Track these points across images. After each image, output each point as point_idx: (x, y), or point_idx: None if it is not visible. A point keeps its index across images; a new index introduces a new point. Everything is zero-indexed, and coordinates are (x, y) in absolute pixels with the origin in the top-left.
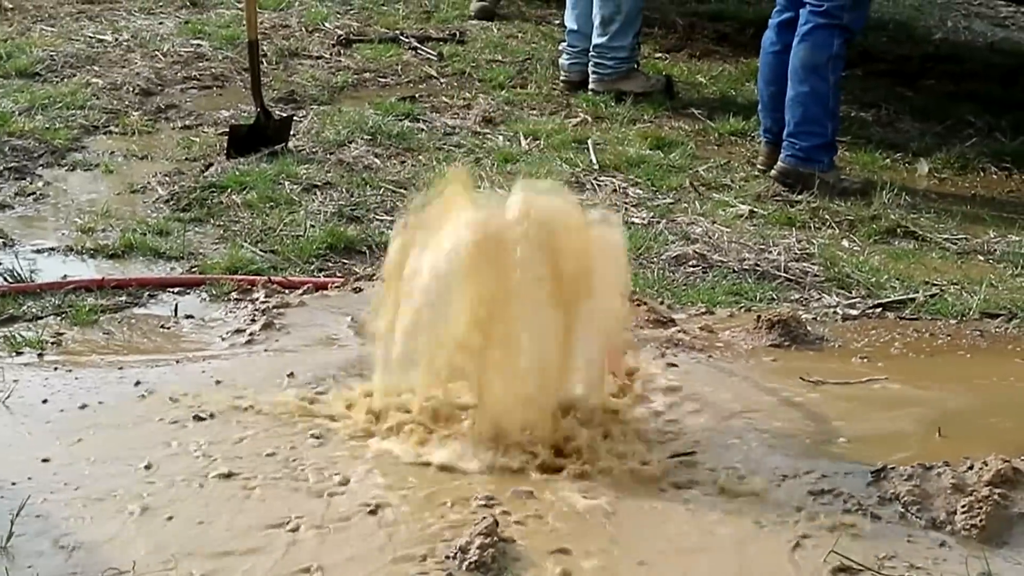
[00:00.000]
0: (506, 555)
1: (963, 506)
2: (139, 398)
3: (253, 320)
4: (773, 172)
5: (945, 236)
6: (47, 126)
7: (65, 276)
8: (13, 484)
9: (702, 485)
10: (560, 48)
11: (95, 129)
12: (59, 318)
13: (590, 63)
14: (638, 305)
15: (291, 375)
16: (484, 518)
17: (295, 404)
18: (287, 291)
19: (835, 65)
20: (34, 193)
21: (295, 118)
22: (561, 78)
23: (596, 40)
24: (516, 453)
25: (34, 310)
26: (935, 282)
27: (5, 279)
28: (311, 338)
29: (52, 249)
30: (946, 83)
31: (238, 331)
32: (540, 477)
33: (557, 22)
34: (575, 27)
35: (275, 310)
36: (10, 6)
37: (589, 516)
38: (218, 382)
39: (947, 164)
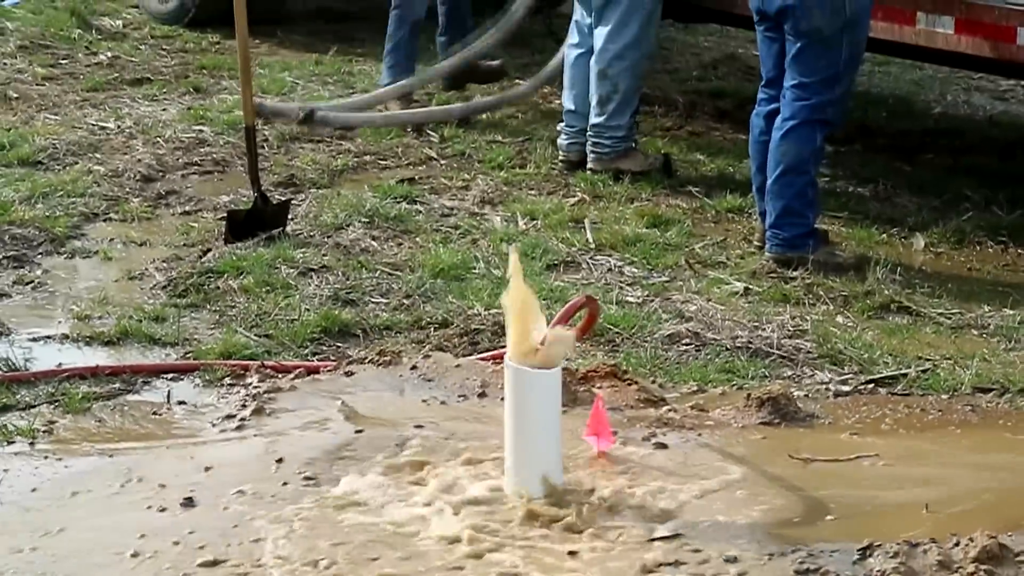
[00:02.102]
0: None
1: None
2: (128, 485)
3: (244, 405)
4: (765, 258)
5: (940, 311)
6: (47, 214)
7: (60, 364)
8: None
9: (687, 565)
10: (559, 128)
11: (95, 216)
12: (52, 406)
13: (588, 142)
14: (629, 384)
15: (280, 460)
16: None
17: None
18: (280, 375)
19: (816, 159)
20: (32, 281)
21: (293, 202)
22: (560, 158)
23: (593, 120)
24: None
25: (28, 398)
26: (928, 357)
27: (0, 368)
28: (301, 423)
29: (48, 337)
30: (945, 157)
31: (229, 416)
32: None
33: (557, 102)
34: (572, 107)
35: (266, 395)
36: (15, 95)
37: None
38: (207, 468)
39: (943, 238)
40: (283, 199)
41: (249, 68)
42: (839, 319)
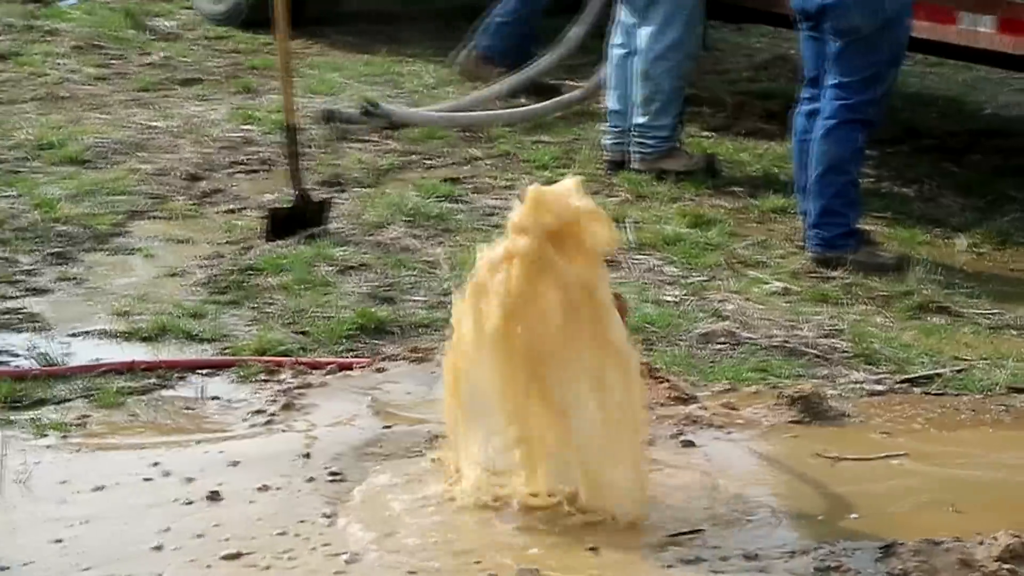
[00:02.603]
0: None
1: None
2: (155, 479)
3: (274, 401)
4: (806, 257)
5: (979, 311)
6: (92, 212)
7: (97, 359)
8: (24, 565)
9: (709, 562)
10: (603, 128)
11: (139, 214)
12: (87, 400)
13: (632, 143)
14: (660, 382)
15: (307, 456)
16: None
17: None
18: (313, 372)
19: (857, 159)
20: (74, 278)
21: (336, 201)
22: (604, 158)
23: (637, 120)
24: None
25: (63, 393)
26: (964, 357)
27: (37, 363)
28: (330, 418)
29: (87, 332)
30: (993, 158)
31: (258, 412)
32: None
33: (604, 104)
34: (617, 107)
35: (296, 391)
36: (66, 95)
37: None
38: (234, 463)
39: (987, 239)
40: (324, 198)
41: (290, 68)
42: (877, 319)
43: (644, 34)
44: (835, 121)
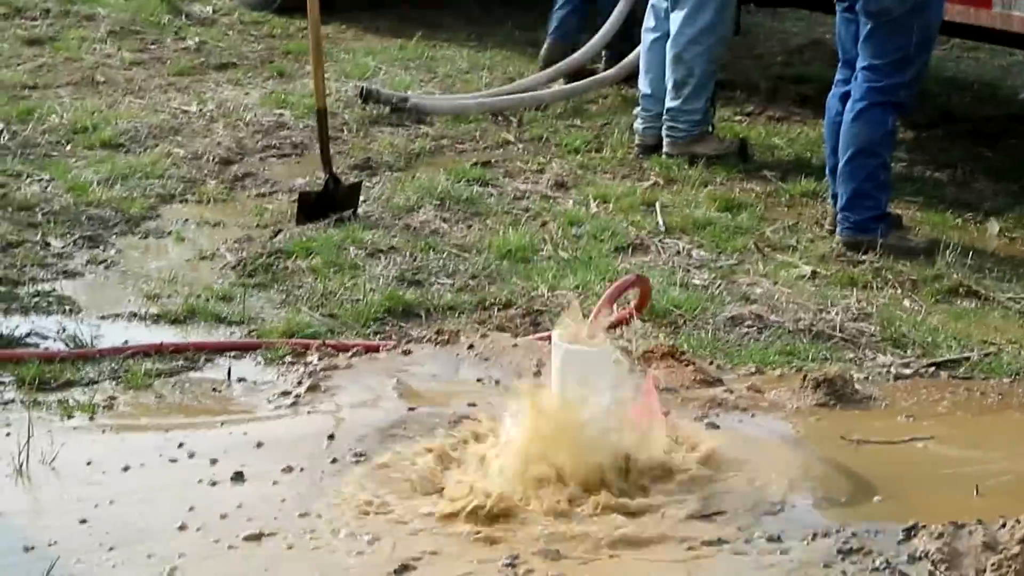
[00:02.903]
0: None
1: (993, 564)
2: (180, 460)
3: (300, 383)
4: (835, 241)
5: (1009, 295)
6: (125, 195)
7: (126, 341)
8: (50, 544)
9: (731, 543)
10: (635, 112)
11: (171, 198)
12: (115, 382)
13: (664, 126)
14: (686, 365)
15: (332, 437)
16: None
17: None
18: (339, 354)
19: (888, 142)
20: (105, 261)
21: (366, 184)
22: (636, 142)
23: (669, 104)
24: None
25: (91, 375)
26: (993, 341)
27: (67, 345)
28: (356, 400)
29: (117, 315)
30: None
31: (284, 393)
32: (568, 532)
33: (636, 87)
34: (649, 91)
35: (322, 372)
36: (102, 80)
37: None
38: (259, 444)
39: (1019, 224)
40: (355, 181)
41: (321, 52)
42: (906, 303)
43: (677, 18)
44: (865, 103)
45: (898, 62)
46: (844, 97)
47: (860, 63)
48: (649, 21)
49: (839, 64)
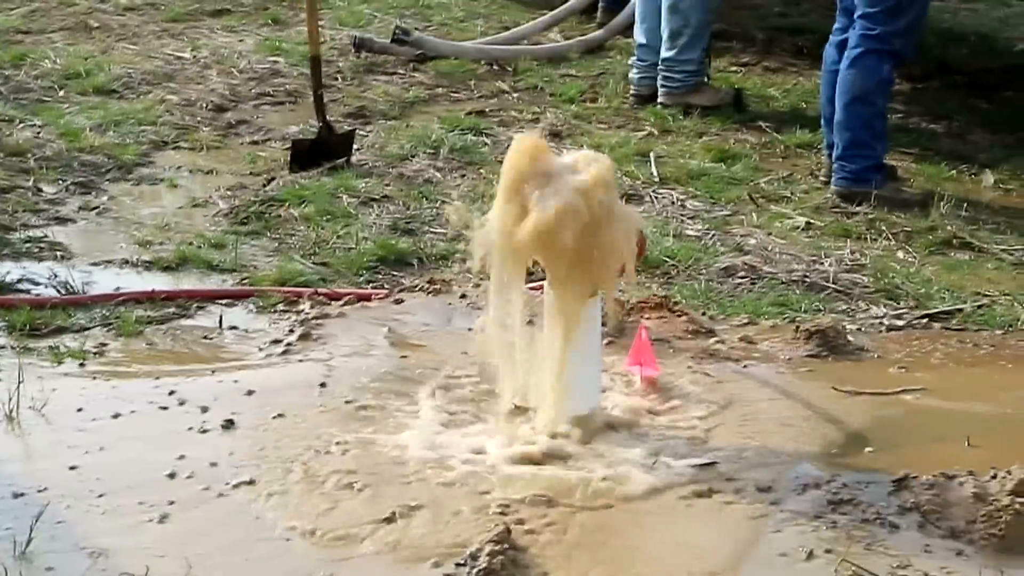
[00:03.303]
0: (516, 563)
1: (983, 515)
2: (170, 407)
3: (291, 331)
4: (830, 190)
5: (1003, 247)
6: (117, 142)
7: (118, 288)
8: (39, 491)
9: (722, 494)
10: (630, 62)
11: (164, 145)
12: (105, 329)
13: (659, 77)
14: (678, 316)
15: (323, 385)
16: (496, 525)
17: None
18: (331, 303)
19: (884, 90)
20: (97, 207)
21: (360, 132)
22: (631, 92)
23: (664, 54)
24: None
25: (82, 321)
26: (986, 293)
27: (58, 291)
28: (347, 349)
29: (108, 262)
30: None
31: (275, 341)
32: (558, 482)
33: (632, 37)
34: (644, 41)
35: (314, 321)
36: (96, 25)
37: (605, 524)
38: (250, 392)
39: (1014, 175)
40: (348, 129)
41: None
42: (899, 254)
43: None
44: (860, 50)
45: (890, 10)
46: (841, 46)
47: (856, 12)
48: None
49: (836, 13)
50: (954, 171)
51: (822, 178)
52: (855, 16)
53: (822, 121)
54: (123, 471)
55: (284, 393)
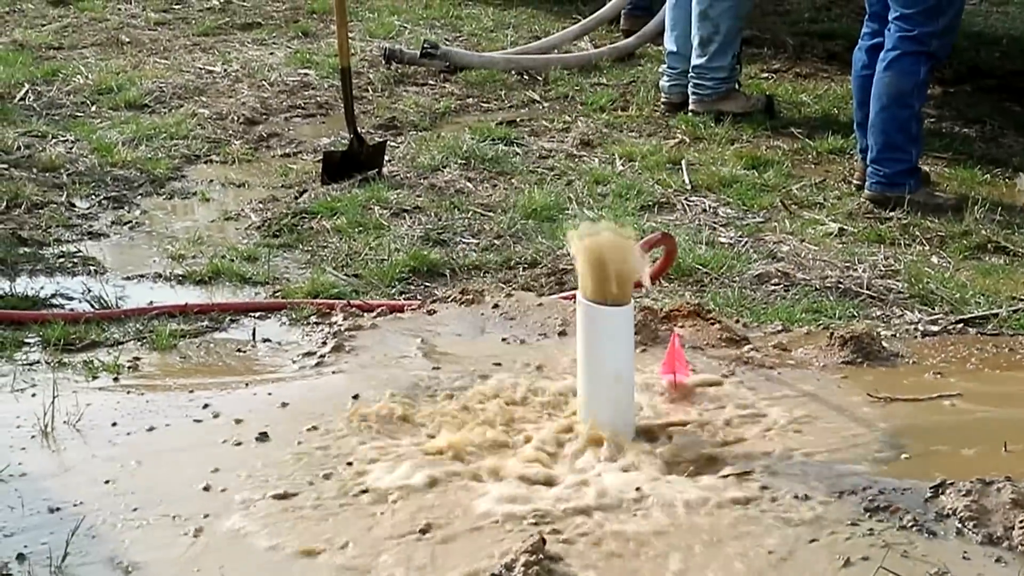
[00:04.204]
0: (552, 573)
1: (1021, 520)
2: (204, 420)
3: (324, 343)
4: (863, 195)
5: None
6: (150, 156)
7: (151, 302)
8: (75, 505)
9: (758, 501)
10: (661, 70)
11: (196, 158)
12: (139, 343)
13: (690, 84)
14: (711, 324)
15: (356, 396)
16: (531, 536)
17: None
18: (364, 314)
19: (920, 92)
20: (130, 222)
21: (391, 144)
22: (662, 99)
23: (695, 61)
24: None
25: (116, 335)
26: (1022, 297)
27: (92, 305)
28: (380, 360)
29: (141, 276)
30: None
31: (308, 354)
32: (591, 491)
33: (662, 45)
34: (674, 48)
35: (347, 333)
36: (127, 40)
37: (641, 533)
38: (284, 404)
39: None
40: (380, 141)
41: (345, 10)
42: (934, 259)
43: None
44: (898, 52)
45: (929, 11)
46: (871, 50)
47: (892, 14)
48: None
49: (866, 17)
50: (988, 175)
51: (856, 182)
52: (891, 18)
53: (855, 126)
54: (157, 485)
55: (317, 405)
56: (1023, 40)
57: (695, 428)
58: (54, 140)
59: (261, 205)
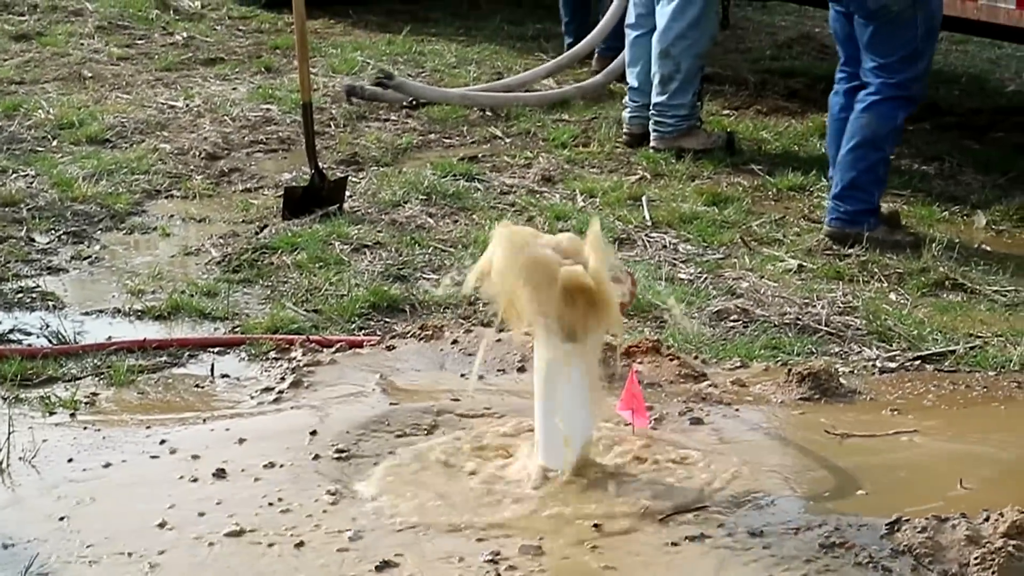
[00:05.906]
0: None
1: (976, 558)
2: (161, 456)
3: (283, 379)
4: (823, 231)
5: (995, 288)
6: (110, 191)
7: (110, 337)
8: (29, 542)
9: (713, 538)
10: (623, 103)
11: (157, 193)
12: (97, 379)
13: (651, 121)
14: (670, 360)
15: (314, 432)
16: (488, 573)
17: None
18: (323, 350)
19: (894, 138)
20: (90, 257)
21: (352, 179)
22: (623, 131)
23: (656, 99)
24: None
25: (74, 371)
26: (979, 334)
27: (49, 341)
28: (338, 396)
29: (100, 311)
30: (1015, 135)
31: (267, 389)
32: (549, 528)
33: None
34: (635, 84)
35: (305, 368)
36: (89, 75)
37: (593, 571)
38: (241, 440)
39: (1006, 216)
40: (341, 176)
41: (307, 45)
42: (892, 296)
43: (664, 13)
44: (879, 97)
45: (908, 57)
46: (847, 93)
47: (867, 64)
48: (631, 18)
49: (840, 62)
50: (946, 212)
51: (814, 221)
52: (868, 69)
53: (831, 166)
54: (113, 522)
55: (275, 441)
56: (982, 78)
57: (649, 464)
58: (14, 175)
59: (222, 240)
